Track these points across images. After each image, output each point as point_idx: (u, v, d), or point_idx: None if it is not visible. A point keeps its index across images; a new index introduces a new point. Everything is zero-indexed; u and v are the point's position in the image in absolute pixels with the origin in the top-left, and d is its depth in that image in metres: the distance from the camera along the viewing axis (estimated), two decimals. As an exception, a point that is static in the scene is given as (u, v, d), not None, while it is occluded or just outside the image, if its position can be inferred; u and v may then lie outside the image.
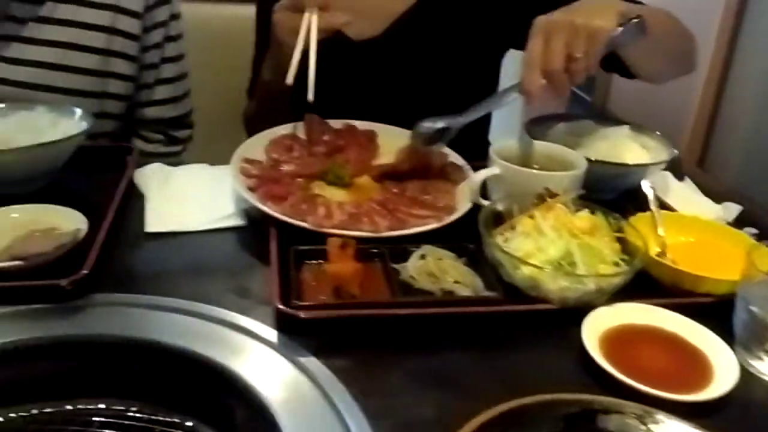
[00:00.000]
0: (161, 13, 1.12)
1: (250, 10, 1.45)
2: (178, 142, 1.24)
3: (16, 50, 1.03)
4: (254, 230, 0.82)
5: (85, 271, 0.67)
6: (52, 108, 0.91)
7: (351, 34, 1.08)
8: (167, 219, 0.82)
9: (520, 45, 1.12)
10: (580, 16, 0.78)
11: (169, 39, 1.16)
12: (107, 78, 1.09)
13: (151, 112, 1.19)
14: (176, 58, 1.18)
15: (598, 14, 0.79)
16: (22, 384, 0.65)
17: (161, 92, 1.18)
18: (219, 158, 0.99)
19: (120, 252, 0.76)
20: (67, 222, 0.74)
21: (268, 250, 0.75)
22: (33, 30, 1.03)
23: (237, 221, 0.83)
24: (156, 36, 1.13)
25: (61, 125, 0.88)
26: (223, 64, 1.41)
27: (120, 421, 0.63)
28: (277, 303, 0.65)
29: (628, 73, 0.97)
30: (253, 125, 1.25)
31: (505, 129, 1.31)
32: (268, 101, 1.16)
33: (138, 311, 0.68)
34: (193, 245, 0.80)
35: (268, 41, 1.08)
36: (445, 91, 1.13)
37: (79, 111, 0.91)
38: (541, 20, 0.80)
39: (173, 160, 1.11)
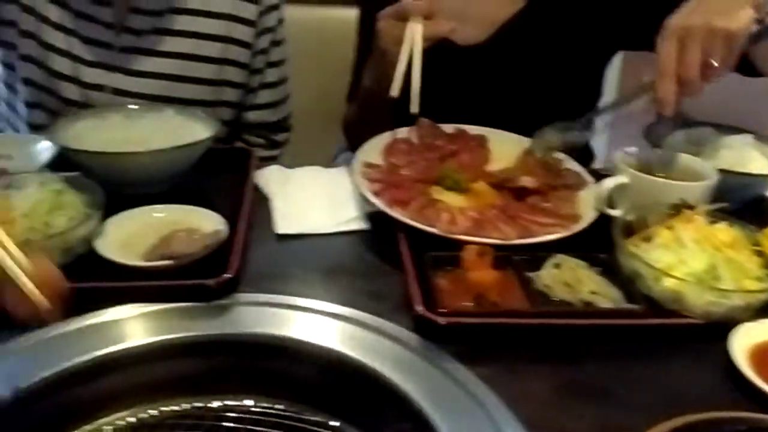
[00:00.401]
0: (271, 19, 1.13)
1: (347, 13, 1.47)
2: (277, 145, 1.26)
3: (135, 62, 1.04)
4: (376, 233, 0.84)
5: (230, 274, 0.70)
6: (179, 111, 0.95)
7: (456, 40, 1.08)
8: (295, 221, 0.84)
9: (632, 46, 1.12)
10: (715, 18, 0.75)
11: (275, 44, 1.16)
12: (222, 86, 1.10)
13: (253, 116, 1.19)
14: (279, 63, 1.19)
15: (734, 13, 0.75)
16: (173, 380, 0.67)
17: (264, 96, 1.18)
18: (310, 160, 1.01)
19: (254, 252, 0.78)
20: (206, 223, 0.77)
21: (394, 253, 0.76)
22: (152, 42, 1.04)
23: (361, 225, 0.85)
24: (264, 41, 1.14)
25: (191, 128, 0.91)
26: (316, 66, 1.43)
27: (267, 418, 0.65)
28: (419, 308, 0.66)
29: (747, 69, 0.94)
30: (353, 130, 1.27)
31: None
32: (369, 108, 1.17)
33: (279, 311, 0.69)
34: (322, 247, 0.82)
35: (371, 47, 1.09)
36: (551, 96, 1.12)
37: (204, 114, 0.94)
38: (675, 24, 0.77)
39: (271, 163, 1.12)
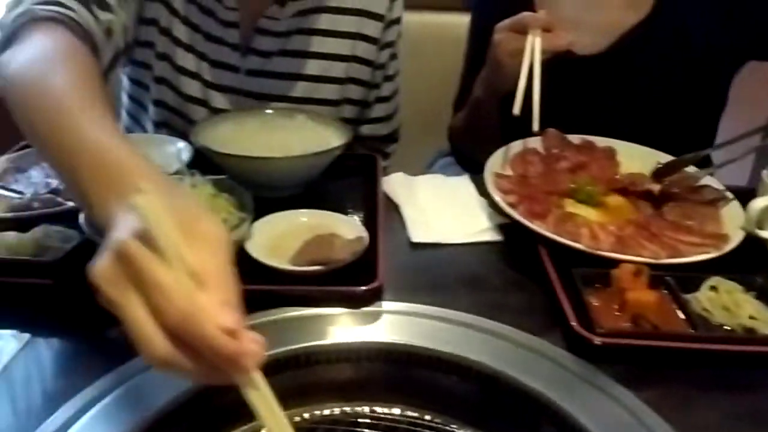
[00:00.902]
0: (391, 34, 1.10)
1: (443, 19, 1.45)
2: (386, 156, 1.23)
3: (261, 85, 1.02)
4: (509, 245, 0.83)
5: (379, 281, 0.70)
6: (310, 116, 0.96)
7: (574, 49, 1.06)
8: (428, 230, 0.84)
9: (763, 56, 1.07)
10: None
11: (393, 57, 1.13)
12: (343, 105, 1.09)
13: (366, 129, 1.17)
14: (394, 76, 1.16)
15: None
16: (322, 384, 0.68)
17: (378, 111, 1.16)
18: (406, 166, 1.01)
19: (393, 260, 0.78)
20: (345, 228, 0.77)
21: (531, 266, 0.76)
22: (279, 64, 1.02)
23: (494, 236, 0.84)
24: (384, 56, 1.11)
25: (323, 134, 0.92)
26: (411, 72, 1.42)
27: (415, 428, 0.65)
28: (576, 327, 0.65)
29: None
30: (460, 138, 1.26)
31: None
32: (479, 118, 1.15)
33: (428, 322, 0.69)
34: (456, 257, 0.81)
35: (481, 57, 1.08)
36: (675, 105, 1.09)
37: (336, 120, 0.95)
38: None
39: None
